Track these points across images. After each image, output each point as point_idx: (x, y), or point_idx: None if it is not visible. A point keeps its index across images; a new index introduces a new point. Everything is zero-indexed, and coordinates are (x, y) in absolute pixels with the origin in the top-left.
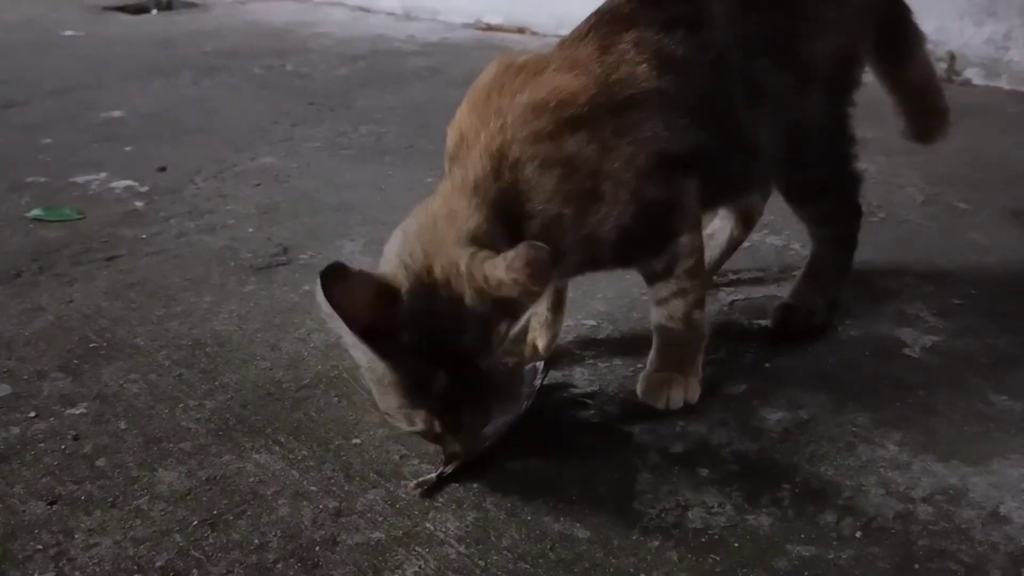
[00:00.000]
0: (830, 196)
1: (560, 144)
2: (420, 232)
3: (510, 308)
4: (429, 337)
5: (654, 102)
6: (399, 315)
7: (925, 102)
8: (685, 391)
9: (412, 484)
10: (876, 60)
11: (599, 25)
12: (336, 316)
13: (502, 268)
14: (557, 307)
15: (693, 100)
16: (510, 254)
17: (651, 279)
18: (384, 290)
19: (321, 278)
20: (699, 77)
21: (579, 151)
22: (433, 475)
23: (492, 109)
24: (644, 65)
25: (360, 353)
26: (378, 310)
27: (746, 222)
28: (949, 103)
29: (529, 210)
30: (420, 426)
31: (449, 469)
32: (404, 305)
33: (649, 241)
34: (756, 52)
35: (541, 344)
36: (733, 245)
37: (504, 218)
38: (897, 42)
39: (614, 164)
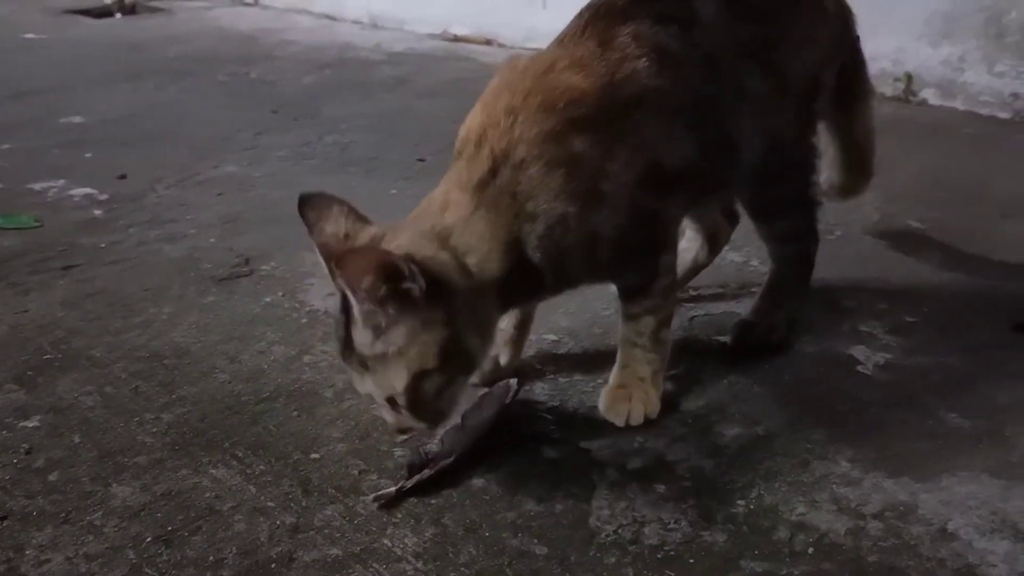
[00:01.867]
0: (794, 214)
1: (566, 144)
2: (412, 218)
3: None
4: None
5: (654, 103)
6: None
7: (860, 157)
8: (645, 407)
9: (371, 498)
10: (829, 105)
11: (595, 20)
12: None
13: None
14: (523, 324)
15: (688, 98)
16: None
17: (627, 294)
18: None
19: (300, 199)
20: (692, 74)
21: (584, 151)
22: (392, 489)
23: (501, 108)
24: (644, 60)
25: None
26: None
27: (712, 245)
28: (907, 123)
29: (532, 210)
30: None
31: (409, 484)
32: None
33: (638, 248)
34: (740, 54)
35: (504, 360)
36: (697, 267)
37: (505, 219)
38: (851, 90)
39: (615, 165)
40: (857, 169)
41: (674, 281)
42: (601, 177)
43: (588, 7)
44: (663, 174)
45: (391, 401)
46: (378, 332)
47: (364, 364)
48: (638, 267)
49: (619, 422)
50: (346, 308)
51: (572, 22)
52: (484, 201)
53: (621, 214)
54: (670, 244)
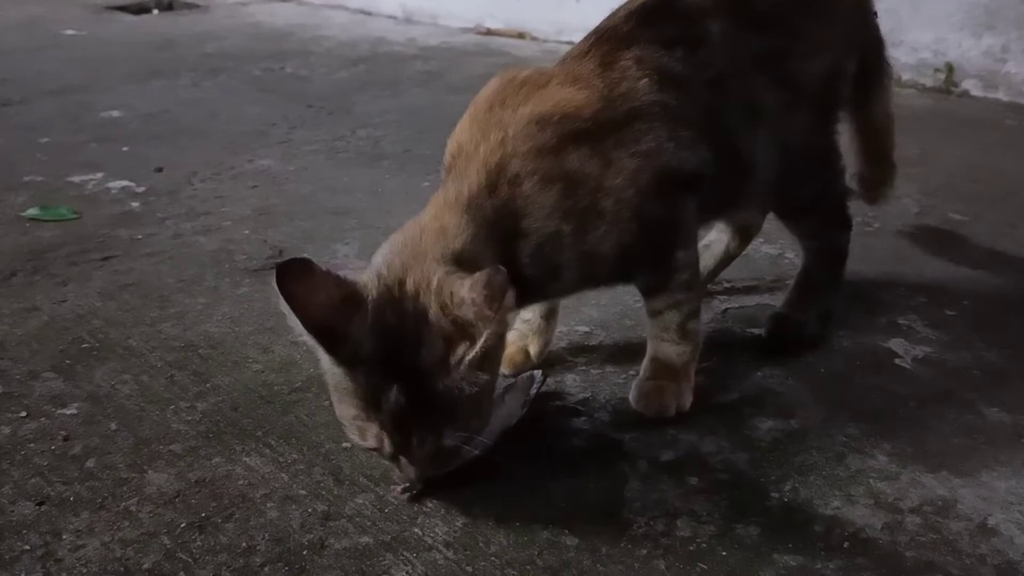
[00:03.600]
0: (819, 211)
1: (562, 159)
2: (404, 244)
3: (468, 331)
4: (387, 349)
5: (657, 113)
6: (361, 323)
7: (881, 145)
8: (678, 399)
9: (399, 489)
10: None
11: (600, 43)
12: (290, 311)
13: (467, 287)
14: (550, 314)
15: (694, 116)
16: (476, 275)
17: (647, 292)
18: (350, 295)
19: (278, 270)
20: (699, 94)
21: (581, 166)
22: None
23: (493, 122)
24: (646, 80)
25: (320, 353)
26: (341, 314)
27: (743, 236)
28: (947, 115)
29: (525, 228)
30: (371, 442)
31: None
32: (368, 314)
33: (646, 257)
34: (752, 70)
35: (533, 351)
36: (728, 258)
37: (497, 236)
38: (870, 78)
39: (616, 180)
40: (879, 158)
41: (695, 275)
42: (600, 193)
43: (594, 31)
44: (671, 179)
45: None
46: None
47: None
48: (649, 269)
49: (651, 413)
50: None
51: (577, 45)
52: (477, 220)
53: (622, 229)
54: (685, 241)
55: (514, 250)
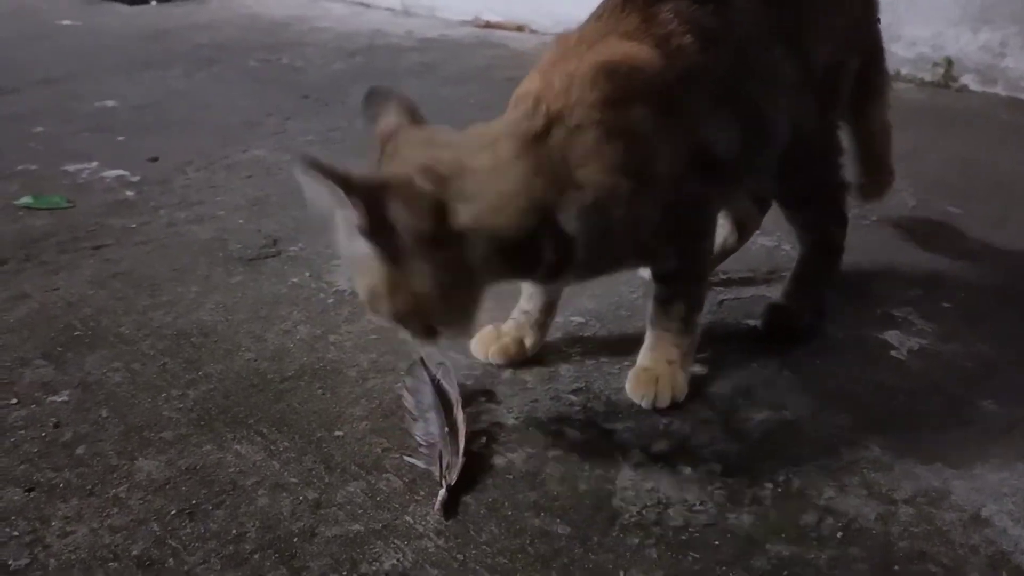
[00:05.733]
0: (820, 201)
1: (628, 113)
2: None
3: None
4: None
5: (704, 81)
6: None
7: (878, 151)
8: (673, 390)
9: (435, 508)
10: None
11: None
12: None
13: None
14: (548, 308)
15: (729, 80)
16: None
17: (662, 278)
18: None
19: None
20: (730, 54)
21: (643, 124)
22: (443, 491)
23: (559, 72)
24: (689, 36)
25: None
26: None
27: (741, 231)
28: (946, 109)
29: (580, 178)
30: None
31: (454, 478)
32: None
33: (677, 236)
34: (770, 37)
35: (528, 343)
36: (726, 252)
37: (542, 179)
38: (870, 81)
39: (670, 145)
40: (876, 165)
41: (707, 266)
42: (657, 157)
43: None
44: (711, 157)
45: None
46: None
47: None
48: (678, 251)
49: (646, 404)
50: None
51: (602, 3)
52: (529, 155)
53: (671, 196)
54: (711, 230)
55: (561, 200)
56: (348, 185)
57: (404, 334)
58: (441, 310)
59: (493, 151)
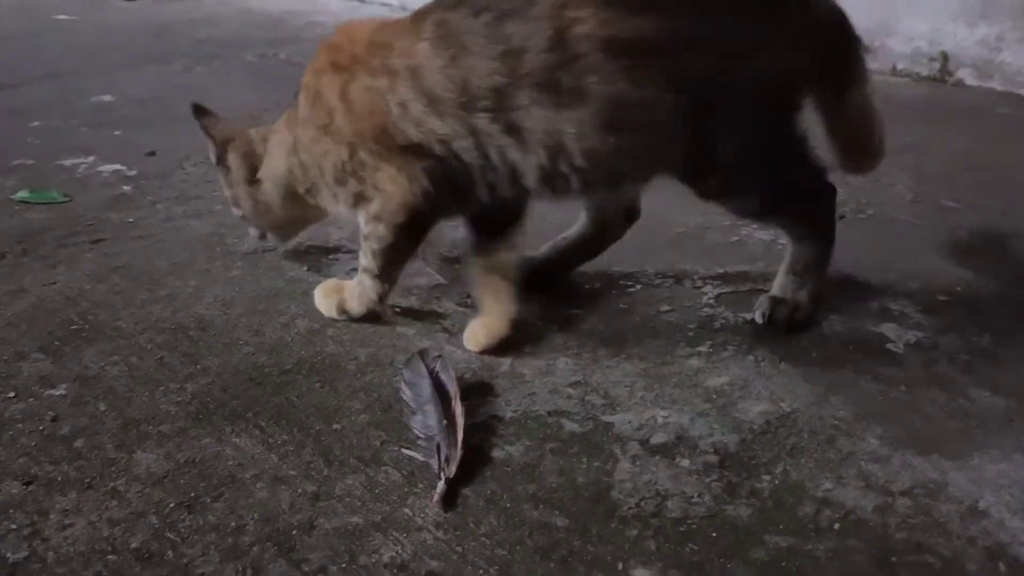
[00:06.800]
0: (788, 211)
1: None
2: None
3: None
4: None
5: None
6: None
7: (858, 142)
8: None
9: (433, 502)
10: (816, 89)
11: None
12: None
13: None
14: (497, 293)
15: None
16: None
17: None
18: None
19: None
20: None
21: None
22: (442, 483)
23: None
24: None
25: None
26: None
27: (601, 233)
28: (942, 104)
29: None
30: None
31: (452, 471)
32: None
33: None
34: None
35: (493, 318)
36: (579, 249)
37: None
38: (841, 75)
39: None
40: (855, 154)
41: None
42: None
43: None
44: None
45: None
46: None
47: None
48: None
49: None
50: None
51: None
52: (290, 133)
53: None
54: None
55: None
56: (209, 133)
57: (251, 231)
58: (264, 223)
59: (281, 129)
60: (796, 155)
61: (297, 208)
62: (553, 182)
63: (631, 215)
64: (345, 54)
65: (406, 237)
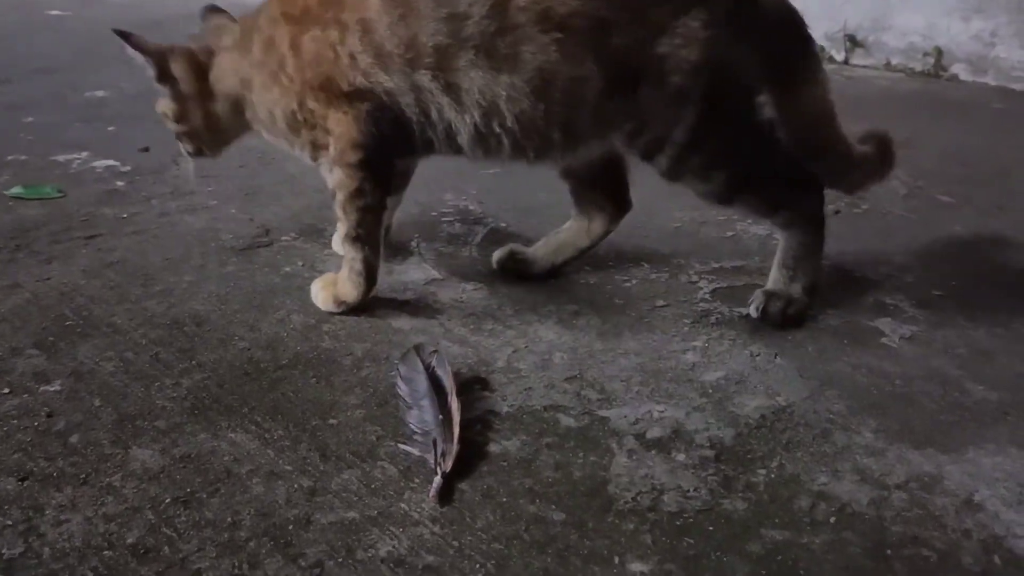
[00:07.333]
0: (751, 198)
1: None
2: None
3: None
4: None
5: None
6: None
7: (816, 142)
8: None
9: (430, 496)
10: (766, 84)
11: None
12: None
13: None
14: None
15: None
16: None
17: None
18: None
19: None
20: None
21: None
22: (439, 478)
23: None
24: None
25: None
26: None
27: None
28: (936, 99)
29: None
30: None
31: (448, 466)
32: None
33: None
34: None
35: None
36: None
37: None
38: (792, 72)
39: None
40: (816, 152)
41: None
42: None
43: None
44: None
45: None
46: None
47: None
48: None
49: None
50: None
51: None
52: (240, 47)
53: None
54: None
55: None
56: (144, 50)
57: (183, 148)
58: (207, 137)
59: (232, 51)
60: (756, 142)
61: (242, 119)
62: (486, 142)
63: (622, 206)
64: (297, 6)
65: (366, 179)
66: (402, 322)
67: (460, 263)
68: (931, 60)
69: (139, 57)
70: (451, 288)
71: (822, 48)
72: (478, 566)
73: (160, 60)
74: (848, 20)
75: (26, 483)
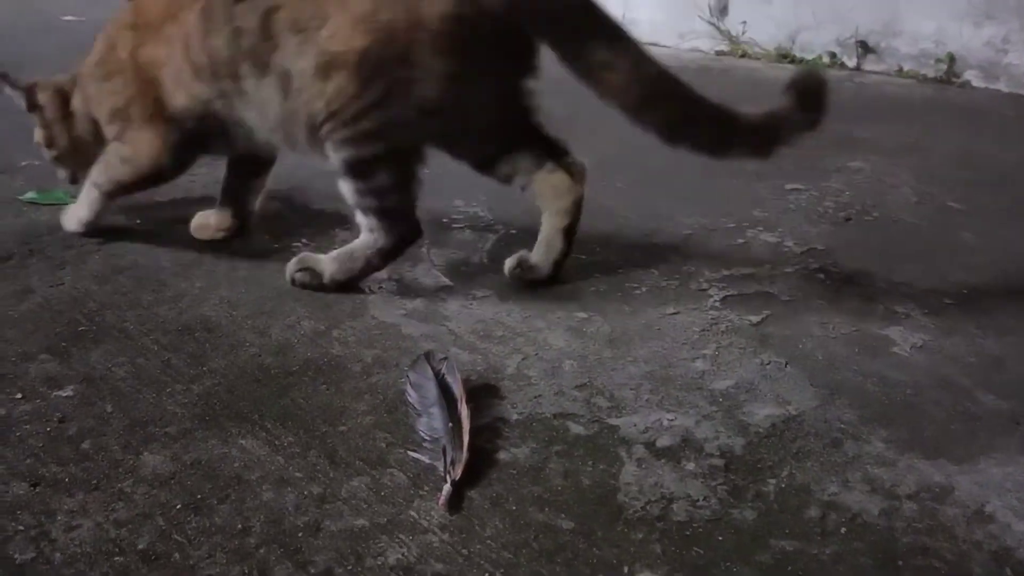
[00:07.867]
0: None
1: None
2: None
3: None
4: None
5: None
6: None
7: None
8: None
9: (440, 504)
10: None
11: None
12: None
13: None
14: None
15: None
16: None
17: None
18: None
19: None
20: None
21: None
22: (448, 486)
23: None
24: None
25: None
26: None
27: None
28: (948, 105)
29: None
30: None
31: (458, 474)
32: None
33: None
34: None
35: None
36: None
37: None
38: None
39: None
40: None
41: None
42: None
43: None
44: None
45: None
46: None
47: None
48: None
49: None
50: None
51: None
52: (95, 74)
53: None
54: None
55: None
56: (14, 86)
57: (59, 172)
58: (75, 157)
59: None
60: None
61: (99, 137)
62: (272, 138)
63: (554, 148)
64: (144, 17)
65: (142, 184)
66: (412, 329)
67: (470, 270)
68: (943, 66)
69: (15, 94)
70: (461, 295)
71: (833, 54)
72: (487, 574)
73: (28, 92)
74: (859, 26)
75: (38, 488)
